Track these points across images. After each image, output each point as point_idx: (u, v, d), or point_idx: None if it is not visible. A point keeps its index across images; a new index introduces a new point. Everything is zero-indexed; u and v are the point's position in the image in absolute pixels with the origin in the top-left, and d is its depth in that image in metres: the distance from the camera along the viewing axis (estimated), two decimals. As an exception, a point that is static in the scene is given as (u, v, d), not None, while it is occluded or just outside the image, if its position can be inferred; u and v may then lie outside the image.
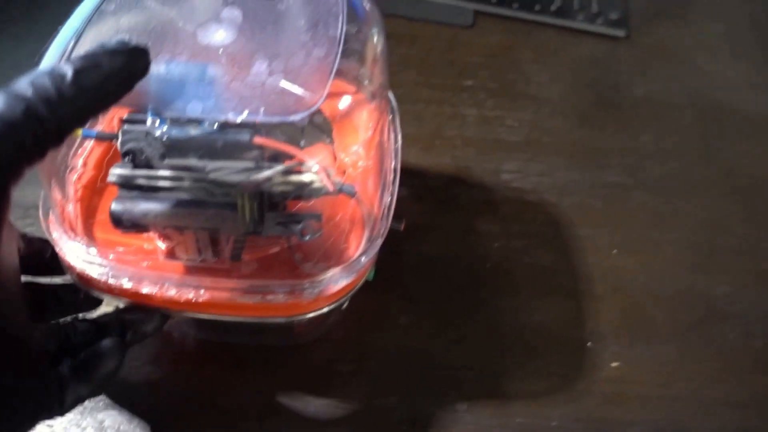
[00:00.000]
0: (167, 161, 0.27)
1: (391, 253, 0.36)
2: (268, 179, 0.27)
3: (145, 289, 0.29)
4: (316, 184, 0.28)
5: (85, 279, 0.30)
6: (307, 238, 0.29)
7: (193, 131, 0.27)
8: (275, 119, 0.27)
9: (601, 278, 0.45)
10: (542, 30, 0.65)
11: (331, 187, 0.28)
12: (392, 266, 0.40)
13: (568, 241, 0.46)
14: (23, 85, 0.22)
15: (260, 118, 0.27)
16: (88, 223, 0.33)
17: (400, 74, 0.57)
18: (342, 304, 0.33)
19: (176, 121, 0.27)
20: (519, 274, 0.44)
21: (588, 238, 0.47)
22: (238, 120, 0.27)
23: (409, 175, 0.48)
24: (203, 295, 0.30)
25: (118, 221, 0.27)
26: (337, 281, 0.31)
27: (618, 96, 0.59)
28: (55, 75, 0.22)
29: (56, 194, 0.32)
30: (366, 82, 0.36)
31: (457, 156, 0.51)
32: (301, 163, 0.28)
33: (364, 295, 0.34)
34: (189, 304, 0.30)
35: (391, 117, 0.39)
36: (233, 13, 0.32)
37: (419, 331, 0.41)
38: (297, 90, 0.28)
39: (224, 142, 0.27)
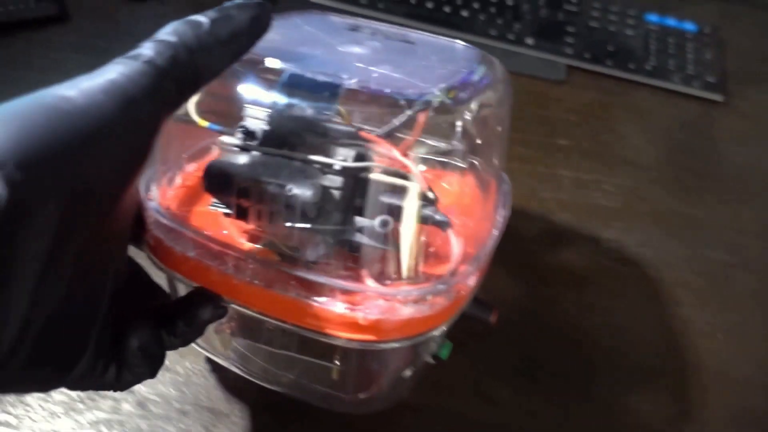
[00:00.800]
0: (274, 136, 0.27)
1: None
2: (365, 169, 0.27)
3: (207, 261, 0.28)
4: (412, 197, 0.27)
5: (155, 245, 0.29)
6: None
7: (308, 110, 0.28)
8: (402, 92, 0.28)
9: (706, 366, 0.43)
10: (636, 89, 0.64)
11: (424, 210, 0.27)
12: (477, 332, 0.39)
13: (671, 321, 0.45)
14: (167, 31, 0.23)
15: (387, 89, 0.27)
16: (181, 210, 0.33)
17: (493, 129, 0.56)
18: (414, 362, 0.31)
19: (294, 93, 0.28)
20: (622, 353, 0.42)
21: (691, 320, 0.45)
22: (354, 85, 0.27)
23: (505, 236, 0.48)
24: (260, 280, 0.27)
25: (209, 173, 0.27)
26: (404, 305, 0.27)
27: (716, 164, 0.57)
28: (193, 24, 0.23)
29: (164, 176, 0.32)
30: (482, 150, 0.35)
31: (554, 220, 0.50)
32: (403, 173, 0.27)
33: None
34: (246, 291, 0.28)
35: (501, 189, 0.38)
36: (374, 43, 0.34)
37: (518, 408, 0.39)
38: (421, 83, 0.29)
39: (332, 130, 0.27)
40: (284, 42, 0.32)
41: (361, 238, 0.28)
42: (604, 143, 0.57)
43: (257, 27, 0.25)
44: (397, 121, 0.30)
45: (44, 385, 0.24)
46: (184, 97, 0.23)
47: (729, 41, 0.71)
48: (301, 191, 0.26)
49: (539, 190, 0.52)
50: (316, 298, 0.27)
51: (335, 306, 0.27)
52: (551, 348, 0.42)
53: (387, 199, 0.28)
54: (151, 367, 0.27)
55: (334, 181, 0.27)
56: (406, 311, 0.27)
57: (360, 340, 0.28)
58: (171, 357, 0.36)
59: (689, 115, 0.62)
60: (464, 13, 0.68)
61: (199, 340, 0.31)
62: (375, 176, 0.28)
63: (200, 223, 0.30)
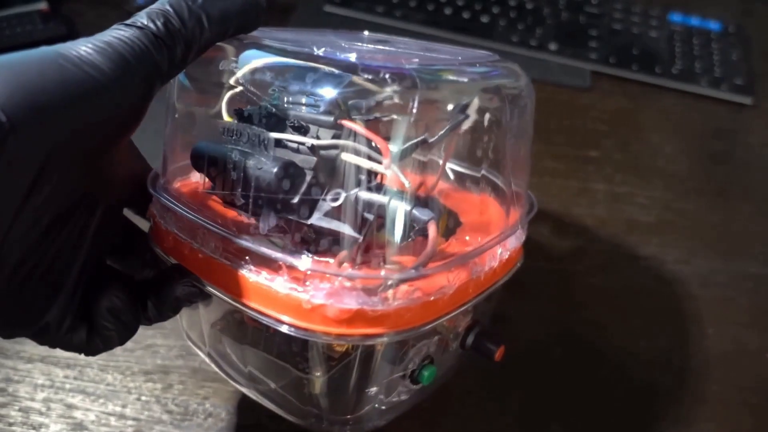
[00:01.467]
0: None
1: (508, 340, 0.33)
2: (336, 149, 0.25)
3: (184, 236, 0.27)
4: (381, 170, 0.25)
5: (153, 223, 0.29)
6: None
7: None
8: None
9: (753, 388, 0.41)
10: (663, 94, 0.62)
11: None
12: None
13: (717, 341, 0.43)
14: (164, 2, 0.24)
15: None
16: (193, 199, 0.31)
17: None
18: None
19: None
20: (668, 379, 0.41)
21: (736, 339, 0.44)
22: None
23: (542, 257, 0.47)
24: (221, 256, 0.26)
25: (193, 152, 0.27)
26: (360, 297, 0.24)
27: (751, 172, 0.56)
28: None
29: (174, 171, 0.31)
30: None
31: (591, 238, 0.49)
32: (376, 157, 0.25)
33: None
34: (208, 267, 0.27)
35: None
36: (386, 45, 0.33)
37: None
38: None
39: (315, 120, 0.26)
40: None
41: (321, 219, 0.26)
42: (636, 153, 0.56)
43: (248, 15, 0.26)
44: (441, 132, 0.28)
45: (10, 327, 0.24)
46: (176, 67, 0.24)
47: (754, 39, 0.69)
48: (260, 164, 0.25)
49: (572, 205, 0.51)
50: (263, 274, 0.25)
51: (277, 283, 0.25)
52: (594, 374, 0.41)
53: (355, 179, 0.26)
54: (120, 334, 0.27)
55: (308, 161, 0.26)
56: (351, 301, 0.24)
57: (298, 326, 0.25)
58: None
59: (720, 121, 0.60)
60: (484, 19, 0.66)
61: (193, 336, 0.31)
62: (346, 156, 0.26)
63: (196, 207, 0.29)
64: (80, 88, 0.21)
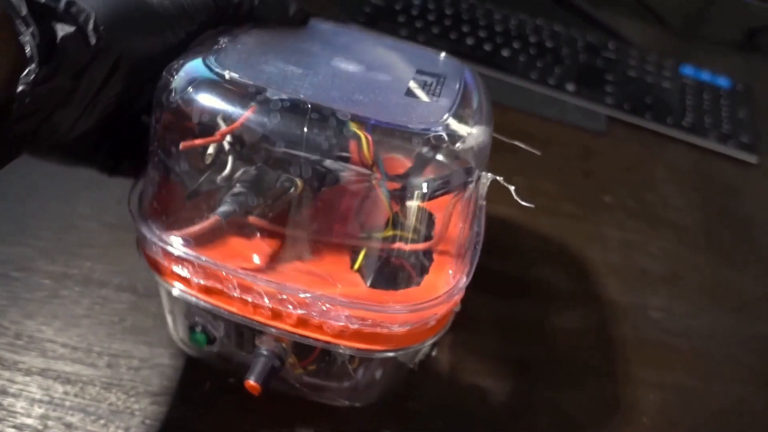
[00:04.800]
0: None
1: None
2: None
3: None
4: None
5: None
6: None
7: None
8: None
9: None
10: (675, 145, 0.63)
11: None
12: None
13: (725, 401, 0.44)
14: None
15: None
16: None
17: (539, 182, 0.55)
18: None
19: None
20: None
21: (746, 401, 0.44)
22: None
23: (558, 305, 0.46)
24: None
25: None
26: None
27: (757, 231, 0.57)
28: None
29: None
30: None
31: (604, 285, 0.49)
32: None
33: None
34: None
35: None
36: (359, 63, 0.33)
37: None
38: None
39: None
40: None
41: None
42: (648, 203, 0.56)
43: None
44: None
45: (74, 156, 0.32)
46: (211, 21, 0.31)
47: (759, 98, 0.71)
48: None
49: (586, 250, 0.51)
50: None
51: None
52: (602, 424, 0.41)
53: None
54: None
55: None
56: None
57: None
58: None
59: (727, 177, 0.61)
60: (505, 53, 0.66)
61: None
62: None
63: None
64: (154, 19, 0.28)
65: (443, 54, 0.36)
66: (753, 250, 0.55)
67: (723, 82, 0.71)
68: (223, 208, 0.28)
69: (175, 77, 0.28)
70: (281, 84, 0.28)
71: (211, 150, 0.28)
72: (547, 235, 0.51)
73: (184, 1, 0.29)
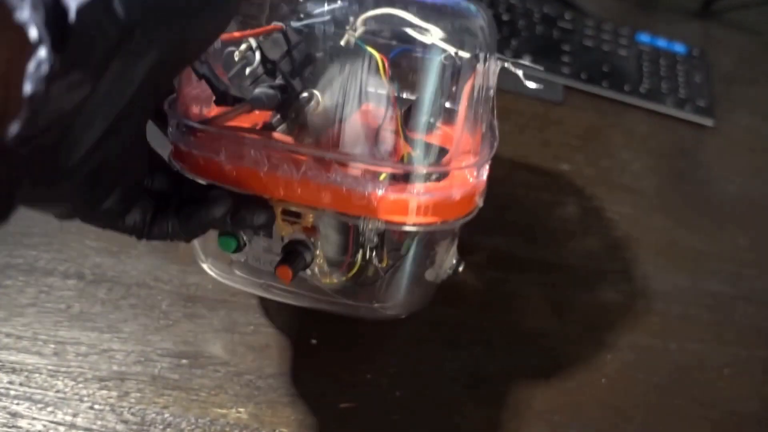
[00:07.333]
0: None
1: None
2: None
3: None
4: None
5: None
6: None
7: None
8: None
9: (714, 403, 0.43)
10: (632, 112, 0.64)
11: None
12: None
13: (680, 357, 0.44)
14: None
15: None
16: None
17: (497, 152, 0.55)
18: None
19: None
20: (633, 393, 0.42)
21: (697, 354, 0.45)
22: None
23: (514, 269, 0.47)
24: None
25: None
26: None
27: (711, 192, 0.58)
28: None
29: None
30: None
31: (561, 253, 0.49)
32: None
33: None
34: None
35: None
36: None
37: None
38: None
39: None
40: None
41: None
42: (605, 169, 0.57)
43: None
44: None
45: (84, 208, 0.25)
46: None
47: (715, 63, 0.72)
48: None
49: (546, 218, 0.51)
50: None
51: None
52: (561, 385, 0.41)
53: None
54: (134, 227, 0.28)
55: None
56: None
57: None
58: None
59: (683, 141, 0.62)
60: (460, 27, 0.66)
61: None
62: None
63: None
64: (196, 10, 0.22)
65: None
66: (707, 211, 0.56)
67: (679, 48, 0.71)
68: (253, 95, 0.30)
69: None
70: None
71: (243, 47, 0.30)
72: (504, 205, 0.51)
73: None
